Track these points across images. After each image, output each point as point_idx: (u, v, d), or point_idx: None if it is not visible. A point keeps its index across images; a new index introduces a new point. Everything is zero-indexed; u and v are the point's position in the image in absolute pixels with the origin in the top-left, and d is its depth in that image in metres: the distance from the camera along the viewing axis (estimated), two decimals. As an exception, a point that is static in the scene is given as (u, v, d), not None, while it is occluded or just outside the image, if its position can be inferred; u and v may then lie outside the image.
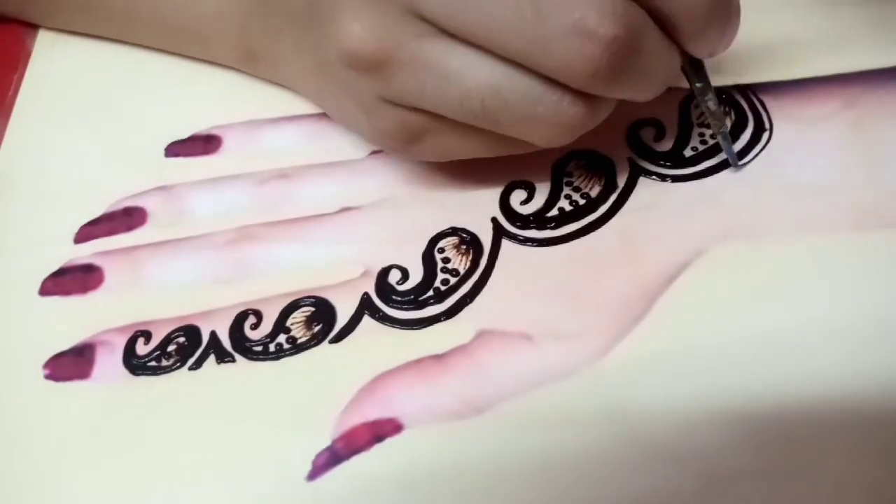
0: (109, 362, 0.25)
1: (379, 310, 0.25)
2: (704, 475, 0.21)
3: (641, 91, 0.23)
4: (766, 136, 0.27)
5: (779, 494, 0.21)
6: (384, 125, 0.24)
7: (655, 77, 0.23)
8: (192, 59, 0.31)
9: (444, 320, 0.24)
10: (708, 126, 0.27)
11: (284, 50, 0.28)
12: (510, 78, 0.22)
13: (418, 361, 0.24)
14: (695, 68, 0.25)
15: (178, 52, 0.32)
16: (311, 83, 0.28)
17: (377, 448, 0.22)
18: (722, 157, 0.26)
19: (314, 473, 0.22)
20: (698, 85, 0.25)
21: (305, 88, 0.29)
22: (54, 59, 0.33)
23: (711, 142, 0.27)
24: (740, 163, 0.26)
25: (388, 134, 0.24)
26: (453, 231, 0.26)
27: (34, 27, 0.34)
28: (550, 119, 0.22)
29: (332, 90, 0.26)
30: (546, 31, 0.21)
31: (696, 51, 0.23)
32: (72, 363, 0.25)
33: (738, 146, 0.27)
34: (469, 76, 0.22)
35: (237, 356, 0.24)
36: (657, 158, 0.27)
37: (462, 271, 0.25)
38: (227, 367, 0.24)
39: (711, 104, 0.25)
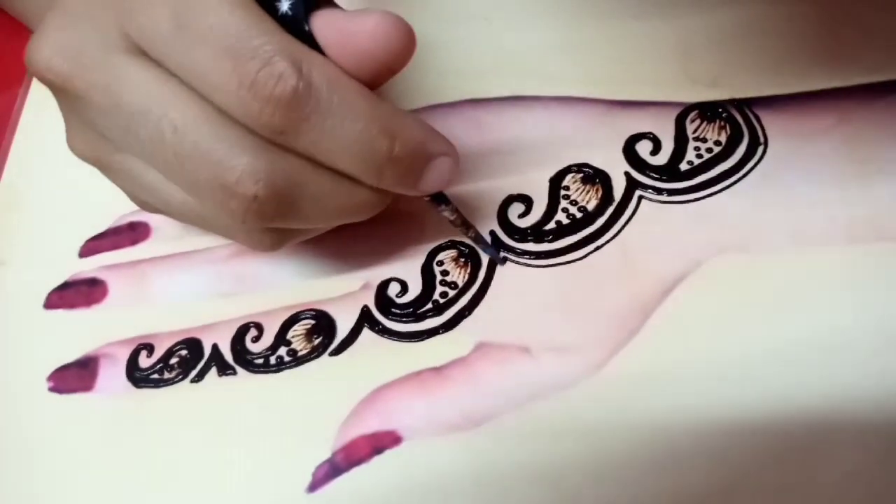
0: (113, 374, 0.25)
1: (378, 322, 0.25)
2: (701, 486, 0.21)
3: (311, 225, 0.22)
4: (761, 149, 0.27)
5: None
6: (72, 143, 0.23)
7: (326, 211, 0.22)
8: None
9: (443, 333, 0.25)
10: (704, 140, 0.27)
11: None
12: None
13: (417, 374, 0.24)
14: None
15: None
16: None
17: (377, 460, 0.23)
18: (718, 171, 0.27)
19: (314, 485, 0.22)
20: (426, 199, 0.24)
21: None
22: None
23: (707, 156, 0.27)
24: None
25: (77, 152, 0.23)
26: (452, 244, 0.26)
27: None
28: (233, 233, 0.23)
29: None
30: (195, 180, 0.20)
31: (399, 191, 0.22)
32: (76, 375, 0.25)
33: (732, 161, 0.27)
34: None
35: (238, 369, 0.25)
36: (653, 172, 0.27)
37: (461, 284, 0.25)
38: (228, 380, 0.25)
39: (447, 214, 0.25)
